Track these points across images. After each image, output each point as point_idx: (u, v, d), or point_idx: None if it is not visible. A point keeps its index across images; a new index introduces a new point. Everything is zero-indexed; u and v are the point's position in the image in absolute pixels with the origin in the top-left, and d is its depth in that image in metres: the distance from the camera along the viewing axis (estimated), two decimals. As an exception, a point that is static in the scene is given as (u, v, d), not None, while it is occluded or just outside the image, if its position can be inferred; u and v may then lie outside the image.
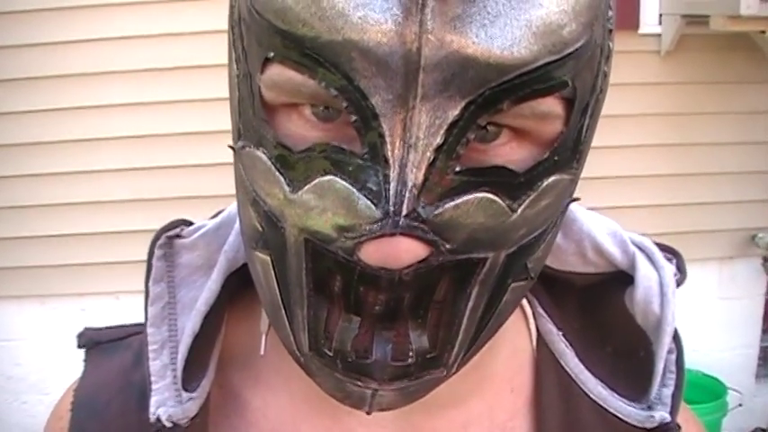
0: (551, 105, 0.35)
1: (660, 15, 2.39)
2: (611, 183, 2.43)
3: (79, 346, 0.55)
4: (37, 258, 2.51)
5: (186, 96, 2.37)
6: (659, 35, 2.40)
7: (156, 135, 2.41)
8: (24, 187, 2.45)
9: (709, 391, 2.46)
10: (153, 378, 0.47)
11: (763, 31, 2.05)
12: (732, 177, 2.54)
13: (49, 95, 2.37)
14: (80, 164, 2.42)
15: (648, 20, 2.40)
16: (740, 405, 2.60)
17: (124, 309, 2.43)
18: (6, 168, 2.44)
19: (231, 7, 0.40)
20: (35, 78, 2.36)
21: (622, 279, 0.52)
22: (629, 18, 2.36)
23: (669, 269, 0.51)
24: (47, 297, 2.55)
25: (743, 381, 2.68)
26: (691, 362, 2.46)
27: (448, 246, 0.36)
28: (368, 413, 0.41)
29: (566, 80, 0.35)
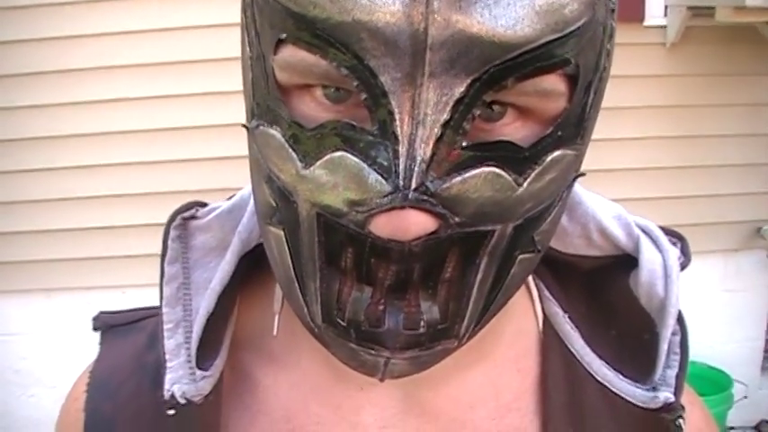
0: (554, 83, 0.36)
1: (666, 7, 2.39)
2: (616, 175, 2.44)
3: (94, 329, 0.56)
4: (43, 252, 2.52)
5: (195, 90, 2.38)
6: (664, 27, 2.40)
7: (163, 129, 2.42)
8: (30, 182, 2.46)
9: (715, 384, 2.47)
10: (168, 356, 0.48)
11: (769, 23, 2.05)
12: (737, 170, 2.54)
13: (54, 90, 2.38)
14: (86, 158, 2.44)
15: (654, 12, 2.40)
16: (745, 397, 2.60)
17: (130, 303, 2.40)
18: (11, 163, 2.45)
19: None
20: (52, 72, 2.37)
21: (627, 262, 0.52)
22: (635, 10, 2.36)
23: (673, 252, 0.52)
24: (53, 291, 2.57)
25: (748, 373, 2.69)
26: (696, 354, 2.47)
27: (456, 219, 0.37)
28: (381, 380, 0.43)
29: (568, 58, 0.35)
